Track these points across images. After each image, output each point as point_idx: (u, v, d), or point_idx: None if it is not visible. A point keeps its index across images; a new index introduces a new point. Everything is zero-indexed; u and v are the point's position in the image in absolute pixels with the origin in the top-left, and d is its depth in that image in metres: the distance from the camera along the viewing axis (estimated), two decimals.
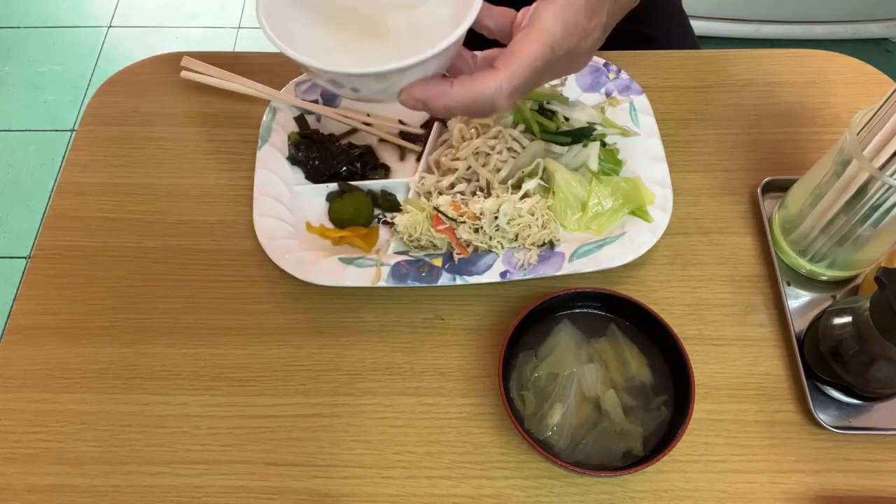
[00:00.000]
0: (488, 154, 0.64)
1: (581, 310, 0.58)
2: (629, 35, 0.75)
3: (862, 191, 0.53)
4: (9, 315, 0.62)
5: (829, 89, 0.73)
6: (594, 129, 0.66)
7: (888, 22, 1.76)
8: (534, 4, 0.42)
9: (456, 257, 0.61)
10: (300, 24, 0.45)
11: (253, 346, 0.60)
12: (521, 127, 0.65)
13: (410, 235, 0.62)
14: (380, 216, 0.66)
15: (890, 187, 0.51)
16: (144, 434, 0.57)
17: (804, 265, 0.62)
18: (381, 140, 0.70)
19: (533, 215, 0.61)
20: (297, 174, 0.67)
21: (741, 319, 0.61)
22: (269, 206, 0.64)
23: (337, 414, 0.57)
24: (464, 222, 0.61)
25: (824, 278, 0.62)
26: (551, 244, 0.61)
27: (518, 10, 0.46)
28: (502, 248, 0.61)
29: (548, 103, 0.66)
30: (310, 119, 0.70)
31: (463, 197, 0.63)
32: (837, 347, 0.54)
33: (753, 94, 0.73)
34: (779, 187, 0.66)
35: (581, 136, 0.65)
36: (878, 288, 0.48)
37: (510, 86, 0.41)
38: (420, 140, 0.70)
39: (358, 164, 0.67)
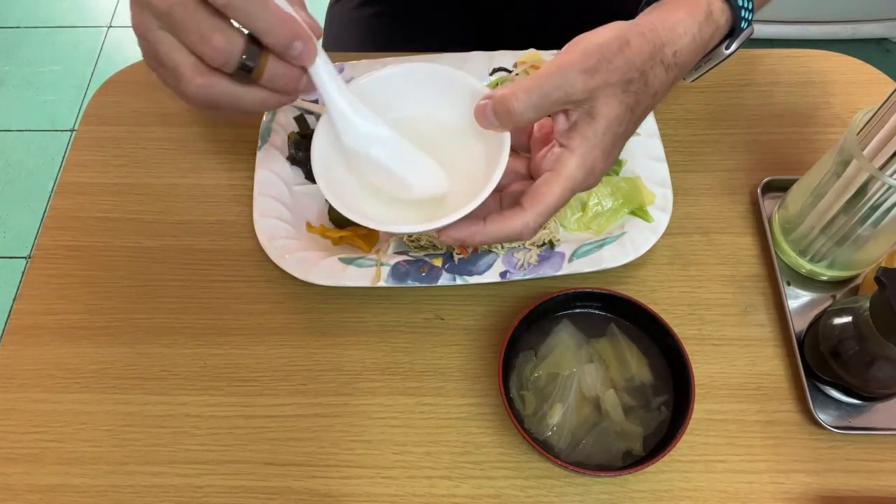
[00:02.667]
0: None
1: (581, 310, 0.58)
2: None
3: (862, 191, 0.53)
4: (9, 315, 0.62)
5: (829, 89, 0.73)
6: None
7: (888, 22, 1.77)
8: (558, 150, 0.47)
9: (456, 257, 0.61)
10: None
11: (253, 346, 0.60)
12: None
13: (410, 235, 0.62)
14: None
15: (890, 187, 0.51)
16: (144, 434, 0.57)
17: (804, 265, 0.62)
18: None
19: None
20: (297, 174, 0.67)
21: (741, 319, 0.61)
22: (269, 206, 0.64)
23: (337, 414, 0.57)
24: None
25: (824, 278, 0.62)
26: (551, 244, 0.61)
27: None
28: (502, 248, 0.61)
29: None
30: (310, 119, 0.70)
31: None
32: (837, 347, 0.54)
33: (753, 94, 0.73)
34: (779, 187, 0.66)
35: None
36: (878, 288, 0.48)
37: (535, 223, 0.46)
38: None
39: None
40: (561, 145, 0.47)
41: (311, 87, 0.45)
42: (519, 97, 0.44)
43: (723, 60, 0.53)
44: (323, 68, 0.44)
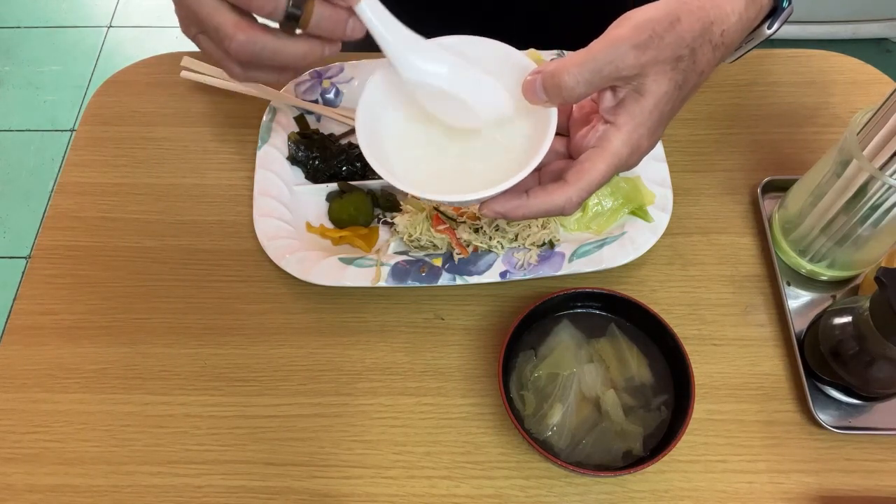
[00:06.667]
0: None
1: (581, 310, 0.58)
2: None
3: (862, 191, 0.53)
4: (9, 315, 0.62)
5: (829, 89, 0.73)
6: None
7: (888, 22, 1.76)
8: (603, 126, 0.46)
9: (456, 257, 0.61)
10: (391, 113, 0.49)
11: (253, 346, 0.60)
12: None
13: (410, 235, 0.62)
14: (380, 216, 0.66)
15: (890, 187, 0.51)
16: (144, 434, 0.57)
17: (804, 265, 0.62)
18: None
19: None
20: (297, 174, 0.67)
21: (741, 319, 0.61)
22: (269, 206, 0.64)
23: (337, 414, 0.57)
24: (463, 222, 0.61)
25: (824, 278, 0.62)
26: (551, 244, 0.61)
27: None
28: (502, 248, 0.61)
29: None
30: (310, 119, 0.70)
31: None
32: (837, 347, 0.54)
33: (753, 94, 0.73)
34: (779, 187, 0.66)
35: None
36: (878, 288, 0.48)
37: (578, 198, 0.46)
38: None
39: (358, 164, 0.67)
40: (606, 122, 0.46)
41: (358, 30, 0.44)
42: (571, 71, 0.43)
43: (764, 41, 0.52)
44: (369, 7, 0.44)
